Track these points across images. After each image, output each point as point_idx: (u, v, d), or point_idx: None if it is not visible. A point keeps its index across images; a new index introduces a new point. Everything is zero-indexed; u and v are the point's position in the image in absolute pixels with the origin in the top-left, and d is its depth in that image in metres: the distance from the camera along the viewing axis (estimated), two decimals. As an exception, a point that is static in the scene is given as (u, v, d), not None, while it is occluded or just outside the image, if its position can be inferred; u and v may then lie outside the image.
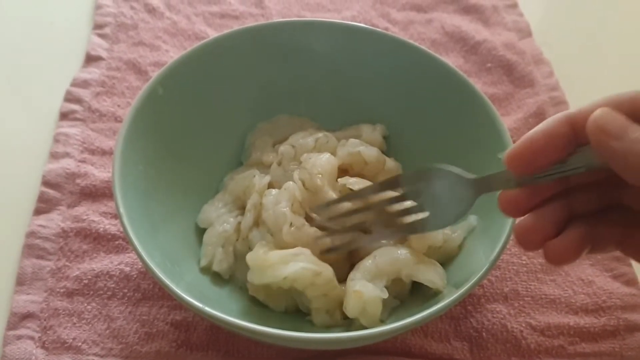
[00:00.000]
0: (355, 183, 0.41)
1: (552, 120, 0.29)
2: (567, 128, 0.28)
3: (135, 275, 0.42)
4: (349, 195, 0.40)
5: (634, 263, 0.44)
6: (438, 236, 0.40)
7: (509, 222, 0.37)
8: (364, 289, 0.37)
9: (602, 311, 0.42)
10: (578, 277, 0.44)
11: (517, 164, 0.30)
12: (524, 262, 0.45)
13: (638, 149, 0.26)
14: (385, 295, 0.37)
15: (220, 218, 0.42)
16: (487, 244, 0.37)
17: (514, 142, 0.43)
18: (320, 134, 0.45)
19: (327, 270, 0.37)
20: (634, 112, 0.27)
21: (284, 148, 0.44)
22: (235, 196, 0.43)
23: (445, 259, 0.41)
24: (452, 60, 0.59)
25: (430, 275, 0.38)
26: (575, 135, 0.28)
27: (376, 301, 0.37)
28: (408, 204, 0.36)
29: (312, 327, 0.39)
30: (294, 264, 0.36)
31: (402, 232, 0.38)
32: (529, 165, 0.30)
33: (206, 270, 0.41)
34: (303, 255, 0.37)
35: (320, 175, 0.40)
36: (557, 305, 0.43)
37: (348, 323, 0.38)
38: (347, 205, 0.39)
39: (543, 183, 0.30)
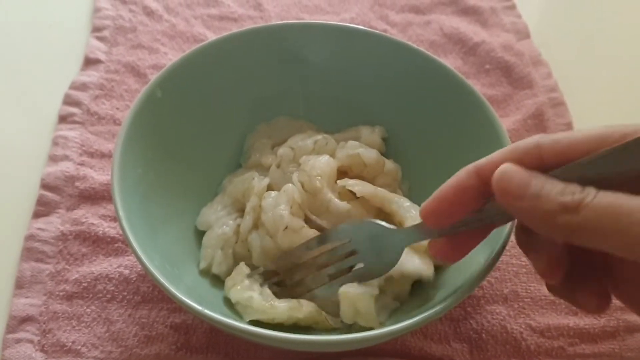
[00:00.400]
0: (355, 185, 0.41)
1: (462, 172, 0.30)
2: (476, 180, 0.29)
3: (134, 278, 0.42)
4: (300, 245, 0.40)
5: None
6: None
7: (507, 224, 0.36)
8: (350, 289, 0.37)
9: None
10: (577, 278, 0.44)
11: (432, 219, 0.31)
12: (523, 263, 0.45)
13: (539, 205, 0.26)
14: (376, 291, 0.37)
15: (219, 221, 0.42)
16: (486, 245, 0.37)
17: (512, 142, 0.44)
18: (319, 136, 0.45)
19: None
20: (540, 158, 0.28)
21: (282, 150, 0.44)
22: (234, 198, 0.43)
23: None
24: (451, 62, 0.59)
25: (416, 263, 0.38)
26: (485, 186, 0.29)
27: (365, 298, 0.37)
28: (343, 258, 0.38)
29: (312, 329, 0.39)
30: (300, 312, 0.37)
31: (338, 284, 0.38)
32: (443, 220, 0.31)
33: (205, 272, 0.41)
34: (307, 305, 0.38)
35: (319, 177, 0.40)
36: (557, 307, 0.43)
37: (348, 325, 0.38)
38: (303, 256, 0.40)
39: (462, 230, 0.31)
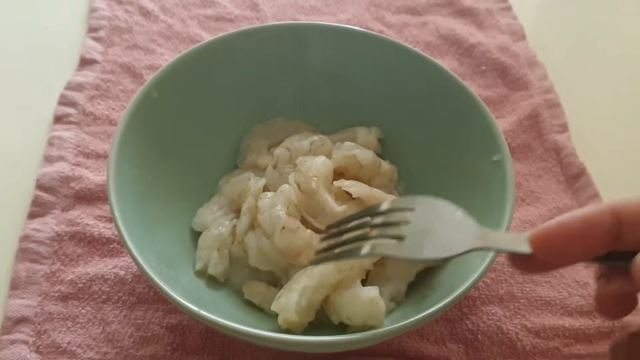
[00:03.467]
0: (351, 185, 0.41)
1: (593, 207, 0.25)
2: (611, 219, 0.24)
3: (130, 279, 0.42)
4: (347, 217, 0.37)
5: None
6: None
7: (504, 225, 0.37)
8: (367, 293, 0.37)
9: (597, 313, 0.42)
10: (573, 279, 0.44)
11: (545, 250, 0.25)
12: (519, 264, 0.45)
13: None
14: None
15: (215, 221, 0.42)
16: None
17: (508, 144, 0.44)
18: (315, 137, 0.45)
19: None
20: None
21: (279, 151, 0.44)
22: (231, 199, 0.43)
23: (441, 261, 0.41)
24: (447, 63, 0.59)
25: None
26: (619, 231, 0.24)
27: (380, 301, 0.37)
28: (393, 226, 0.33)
29: (308, 330, 0.39)
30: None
31: (377, 253, 0.33)
32: (558, 255, 0.25)
33: (201, 273, 0.41)
34: None
35: (315, 178, 0.40)
36: (552, 307, 0.43)
37: (344, 326, 0.38)
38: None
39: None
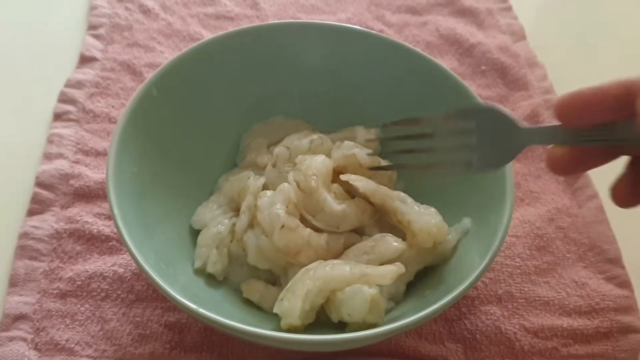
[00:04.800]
0: (358, 180, 0.41)
1: (608, 81, 0.29)
2: (621, 91, 0.28)
3: (129, 277, 0.42)
4: (405, 119, 0.40)
5: (627, 265, 0.45)
6: (444, 231, 0.41)
7: (503, 225, 0.37)
8: (368, 289, 0.37)
9: (595, 313, 0.42)
10: (571, 279, 0.44)
11: (565, 113, 0.30)
12: (517, 264, 0.45)
13: None
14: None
15: (214, 220, 0.42)
16: (481, 246, 0.37)
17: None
18: (315, 136, 0.45)
19: None
20: None
21: (278, 150, 0.44)
22: (230, 198, 0.43)
23: (440, 260, 0.41)
24: (447, 63, 0.59)
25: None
26: (629, 100, 0.28)
27: (381, 299, 0.37)
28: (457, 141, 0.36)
29: (306, 329, 0.39)
30: None
31: (446, 168, 0.38)
32: (576, 117, 0.30)
33: (200, 271, 0.41)
34: None
35: (314, 177, 0.40)
36: (551, 307, 0.43)
37: (343, 324, 0.38)
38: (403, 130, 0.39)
39: (587, 145, 0.31)
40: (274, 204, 0.39)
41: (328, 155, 0.44)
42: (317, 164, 0.41)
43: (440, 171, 0.39)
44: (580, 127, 0.31)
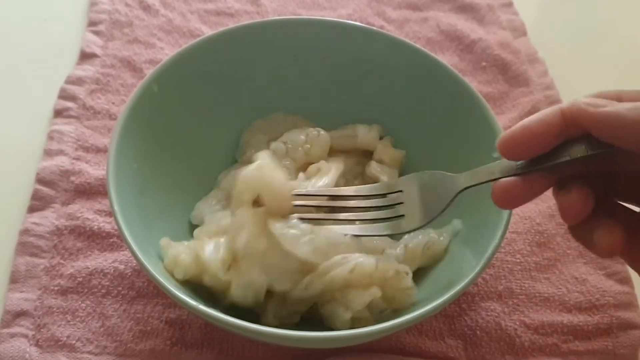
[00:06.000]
0: (380, 173, 0.43)
1: (548, 110, 0.30)
2: (560, 119, 0.30)
3: (129, 273, 0.42)
4: (331, 193, 0.40)
5: (627, 262, 0.45)
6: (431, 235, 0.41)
7: (503, 221, 0.37)
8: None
9: (596, 309, 0.42)
10: (572, 275, 0.44)
11: (510, 149, 0.31)
12: (518, 260, 0.45)
13: (621, 110, 0.27)
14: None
15: (211, 215, 0.42)
16: (481, 242, 0.37)
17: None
18: (311, 129, 0.45)
19: None
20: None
21: (275, 145, 0.44)
22: (228, 193, 0.43)
23: (432, 262, 0.41)
24: (448, 59, 0.59)
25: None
26: (566, 126, 0.29)
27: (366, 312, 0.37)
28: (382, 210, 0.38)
29: (307, 325, 0.39)
30: None
31: (382, 232, 0.38)
32: (521, 151, 0.31)
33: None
34: None
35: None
36: (551, 304, 0.43)
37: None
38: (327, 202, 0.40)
39: (526, 173, 0.31)
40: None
41: (325, 149, 0.44)
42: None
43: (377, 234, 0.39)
44: (522, 159, 0.31)
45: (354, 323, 0.37)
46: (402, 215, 0.37)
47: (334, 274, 0.36)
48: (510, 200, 0.32)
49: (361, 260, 0.37)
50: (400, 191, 0.37)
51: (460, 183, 0.34)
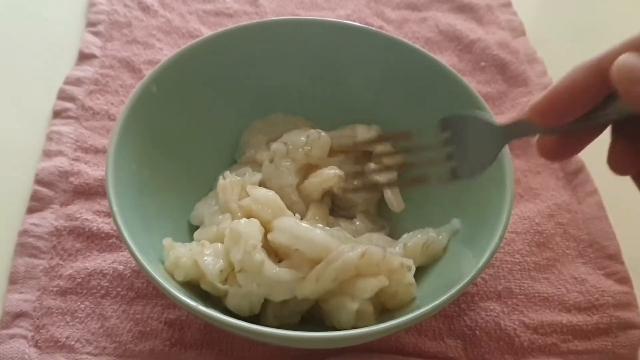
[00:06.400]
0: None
1: (575, 72, 0.28)
2: (593, 79, 0.28)
3: (128, 274, 0.42)
4: (380, 136, 0.40)
5: (626, 261, 0.45)
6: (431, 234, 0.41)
7: (502, 222, 0.37)
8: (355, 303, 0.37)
9: (595, 309, 0.42)
10: (571, 275, 0.44)
11: (542, 117, 0.29)
12: (517, 260, 0.45)
13: None
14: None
15: (211, 217, 0.42)
16: (480, 242, 0.37)
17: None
18: (311, 130, 0.45)
19: None
20: None
21: (276, 145, 0.44)
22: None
23: (431, 261, 0.41)
24: (446, 59, 0.59)
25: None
26: (602, 83, 0.27)
27: (369, 309, 0.37)
28: (434, 154, 0.36)
29: (306, 326, 0.39)
30: None
31: (431, 183, 0.38)
32: (553, 119, 0.29)
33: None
34: None
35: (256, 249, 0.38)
36: (550, 303, 0.43)
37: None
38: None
39: (570, 131, 0.30)
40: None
41: (325, 150, 0.44)
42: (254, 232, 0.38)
43: (427, 186, 0.38)
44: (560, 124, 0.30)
45: (358, 319, 0.37)
46: (455, 163, 0.35)
47: (346, 257, 0.36)
48: (553, 155, 0.31)
49: (370, 247, 0.37)
50: (448, 135, 0.35)
51: (504, 135, 0.33)
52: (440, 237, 0.41)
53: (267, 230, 0.38)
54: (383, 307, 0.39)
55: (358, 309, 0.36)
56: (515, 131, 0.33)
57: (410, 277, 0.38)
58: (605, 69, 0.27)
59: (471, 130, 0.34)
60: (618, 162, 0.30)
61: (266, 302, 0.38)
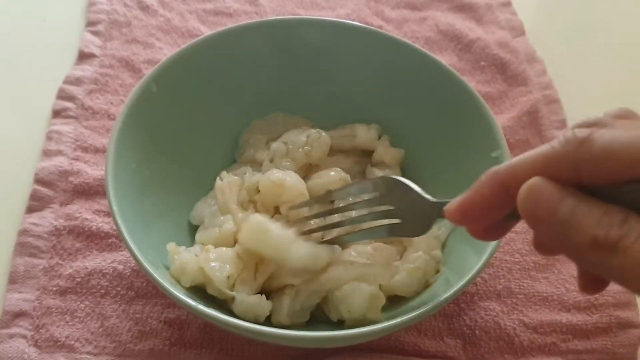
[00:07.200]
0: None
1: (484, 186, 0.27)
2: (501, 192, 0.26)
3: (128, 273, 0.42)
4: (321, 195, 0.40)
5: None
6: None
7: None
8: (365, 286, 0.37)
9: (595, 308, 0.42)
10: (570, 274, 0.44)
11: (456, 221, 0.29)
12: (517, 260, 0.45)
13: (569, 235, 0.23)
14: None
15: (212, 217, 0.42)
16: (480, 242, 0.37)
17: (507, 140, 0.44)
18: (312, 130, 0.45)
19: None
20: (576, 170, 0.23)
21: (276, 145, 0.44)
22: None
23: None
24: (446, 59, 0.59)
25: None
26: (510, 200, 0.25)
27: (380, 294, 0.38)
28: (381, 208, 0.36)
29: (305, 325, 0.39)
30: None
31: (376, 235, 0.38)
32: (467, 224, 0.29)
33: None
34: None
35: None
36: (550, 303, 0.43)
37: (341, 321, 0.38)
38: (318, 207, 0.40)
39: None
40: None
41: (325, 150, 0.44)
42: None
43: (365, 239, 0.39)
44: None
45: (370, 307, 0.37)
46: (397, 222, 0.36)
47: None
48: (482, 238, 0.31)
49: None
50: (387, 193, 0.36)
51: (435, 213, 0.33)
52: (440, 231, 0.41)
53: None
54: (394, 297, 0.39)
55: (371, 294, 0.37)
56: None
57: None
58: (511, 186, 0.25)
59: (410, 197, 0.35)
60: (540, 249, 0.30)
61: (277, 303, 0.38)
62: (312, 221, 0.39)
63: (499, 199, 0.26)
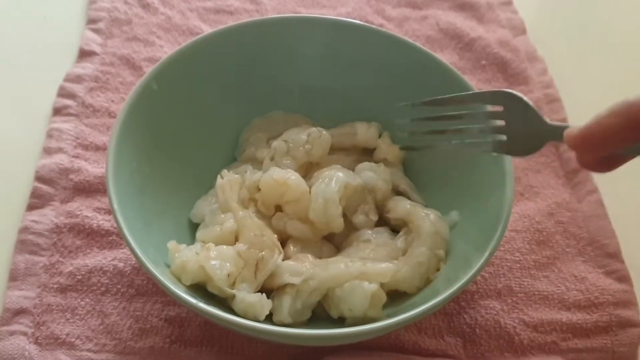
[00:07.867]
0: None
1: (611, 113, 0.27)
2: (630, 123, 0.27)
3: (128, 271, 0.42)
4: (437, 99, 0.41)
5: (626, 260, 0.45)
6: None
7: (502, 220, 0.37)
8: (368, 285, 0.37)
9: (595, 307, 0.42)
10: (571, 273, 0.44)
11: (575, 149, 0.30)
12: (517, 258, 0.45)
13: None
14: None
15: (211, 215, 0.42)
16: (480, 240, 0.37)
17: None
18: (313, 129, 0.45)
19: None
20: None
21: (276, 143, 0.44)
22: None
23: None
24: (447, 57, 0.59)
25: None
26: (636, 130, 0.27)
27: (381, 293, 0.38)
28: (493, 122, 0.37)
29: (306, 323, 0.39)
30: None
31: (479, 149, 0.39)
32: (590, 151, 0.29)
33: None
34: None
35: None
36: (550, 302, 0.43)
37: (342, 319, 0.38)
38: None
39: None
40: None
41: (325, 150, 0.44)
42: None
43: (469, 152, 0.40)
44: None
45: (371, 304, 0.37)
46: (503, 138, 0.37)
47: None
48: (593, 168, 0.31)
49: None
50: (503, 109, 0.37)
51: (550, 135, 0.34)
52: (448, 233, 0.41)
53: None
54: (394, 294, 0.39)
55: (372, 292, 0.37)
56: (558, 135, 0.33)
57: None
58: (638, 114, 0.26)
59: (521, 114, 0.35)
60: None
61: (277, 302, 0.38)
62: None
63: (627, 130, 0.27)
